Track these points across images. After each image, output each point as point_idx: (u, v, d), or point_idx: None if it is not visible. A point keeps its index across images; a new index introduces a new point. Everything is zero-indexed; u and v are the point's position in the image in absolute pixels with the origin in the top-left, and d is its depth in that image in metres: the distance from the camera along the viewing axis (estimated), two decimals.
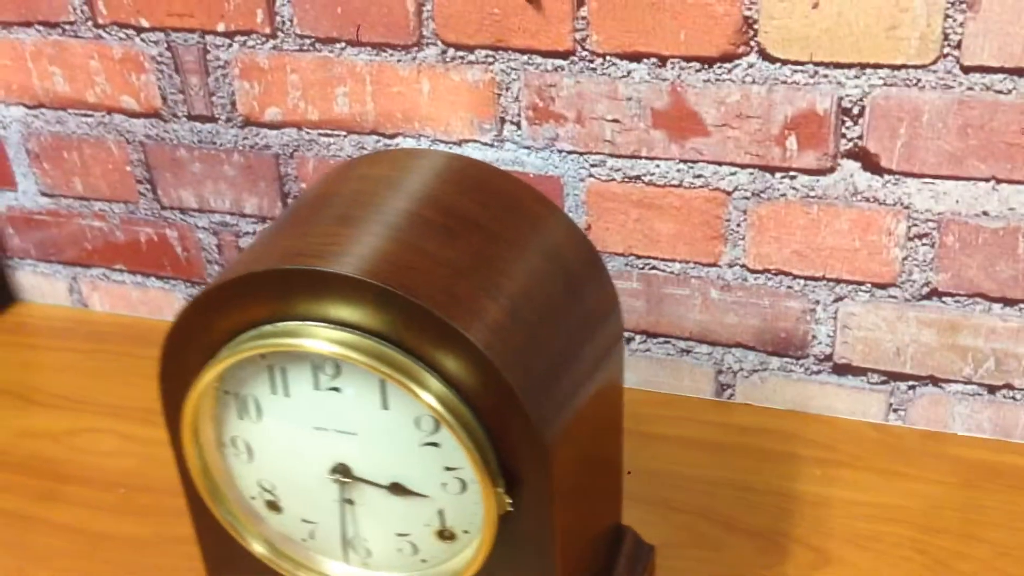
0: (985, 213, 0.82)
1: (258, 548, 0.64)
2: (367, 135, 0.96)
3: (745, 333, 0.94)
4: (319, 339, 0.54)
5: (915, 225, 0.84)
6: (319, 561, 0.65)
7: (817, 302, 0.90)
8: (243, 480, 0.63)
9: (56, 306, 1.20)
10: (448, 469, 0.58)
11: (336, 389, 0.57)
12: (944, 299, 0.87)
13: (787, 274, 0.90)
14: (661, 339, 0.97)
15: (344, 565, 0.64)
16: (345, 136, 0.97)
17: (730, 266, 0.92)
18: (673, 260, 0.93)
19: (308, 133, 0.97)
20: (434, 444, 0.57)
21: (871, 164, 0.83)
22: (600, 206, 0.93)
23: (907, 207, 0.84)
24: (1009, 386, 0.89)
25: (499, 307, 0.56)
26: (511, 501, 0.56)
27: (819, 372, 0.94)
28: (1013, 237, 0.82)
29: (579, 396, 0.61)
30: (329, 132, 0.97)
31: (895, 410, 0.93)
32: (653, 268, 0.94)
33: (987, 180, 0.81)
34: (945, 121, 0.80)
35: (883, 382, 0.92)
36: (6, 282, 1.19)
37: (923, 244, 0.85)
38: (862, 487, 0.87)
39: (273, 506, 0.64)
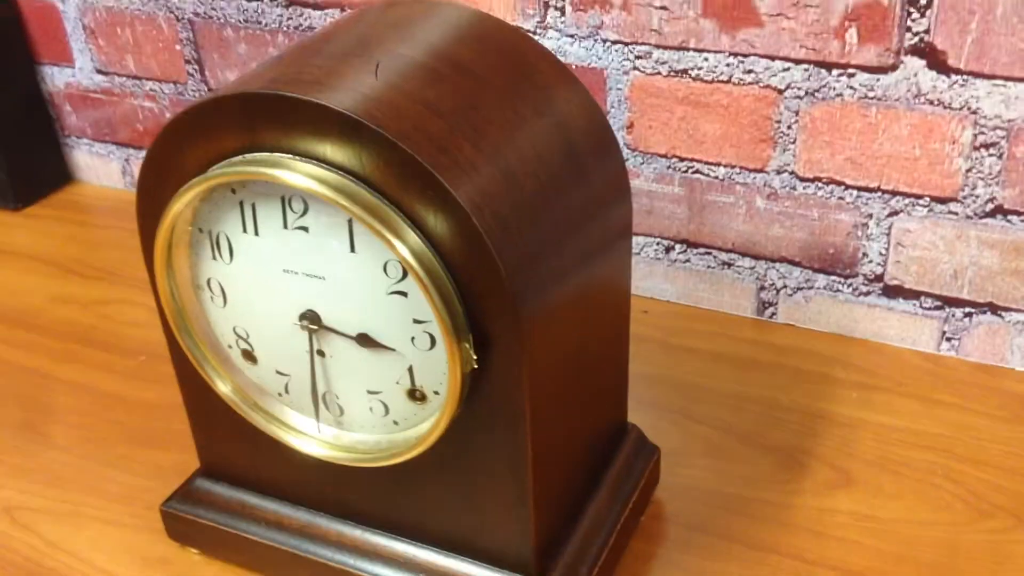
0: None
1: (224, 389, 0.62)
2: None
3: (791, 247, 0.88)
4: (286, 169, 0.52)
5: (982, 133, 0.77)
6: (293, 417, 0.63)
7: (870, 216, 0.84)
8: (219, 327, 0.61)
9: (110, 187, 1.21)
10: (417, 322, 0.55)
11: (304, 228, 0.54)
12: (1009, 217, 0.79)
13: (839, 183, 0.83)
14: (702, 250, 0.92)
15: (317, 423, 0.62)
16: None
17: (778, 172, 0.86)
18: (718, 164, 0.88)
19: None
20: (402, 293, 0.54)
21: (937, 62, 0.76)
22: (644, 102, 0.88)
23: (974, 112, 0.77)
24: None
25: (479, 153, 0.52)
26: (476, 358, 0.53)
27: (868, 294, 0.87)
28: None
29: (569, 279, 0.57)
30: None
31: (948, 339, 0.86)
32: (696, 172, 0.89)
33: None
34: (1021, 15, 0.72)
35: (937, 307, 0.85)
36: (63, 160, 1.21)
37: (989, 155, 0.78)
38: (900, 413, 0.81)
39: (249, 356, 0.62)
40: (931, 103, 0.78)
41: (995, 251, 0.81)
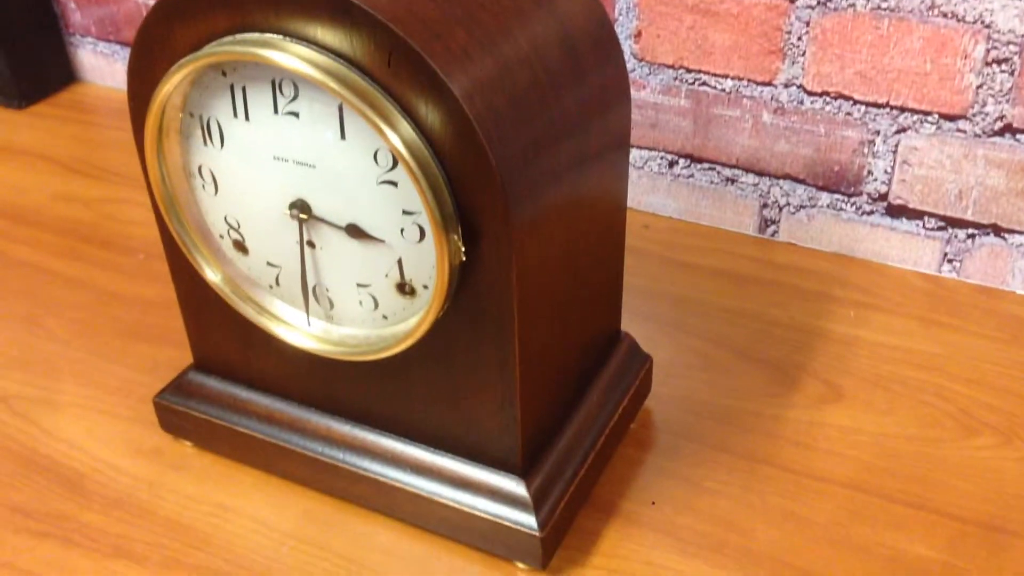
0: None
1: (215, 279, 0.62)
2: None
3: (795, 164, 0.87)
4: (276, 50, 0.51)
5: (995, 48, 0.75)
6: (283, 310, 0.63)
7: (877, 132, 0.83)
8: (211, 216, 0.61)
9: (114, 88, 1.20)
10: (407, 213, 0.54)
11: (295, 114, 0.54)
12: (1018, 136, 0.78)
13: (847, 98, 0.82)
14: (706, 165, 0.91)
15: (307, 316, 0.62)
16: None
17: (786, 86, 0.84)
18: (726, 76, 0.86)
19: None
20: (392, 183, 0.53)
21: None
22: (653, 10, 0.86)
23: (988, 26, 0.75)
24: None
25: (473, 41, 0.51)
26: (465, 251, 0.53)
27: (871, 213, 0.86)
28: None
29: (562, 181, 0.56)
30: None
31: (950, 260, 0.85)
32: (703, 84, 0.87)
33: None
34: None
35: (940, 228, 0.84)
36: (68, 59, 1.20)
37: (1001, 71, 0.76)
38: (897, 332, 0.81)
39: (240, 246, 0.62)
40: (944, 16, 0.76)
41: (1002, 171, 0.80)
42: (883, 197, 0.85)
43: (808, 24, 0.81)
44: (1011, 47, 0.75)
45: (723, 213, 0.93)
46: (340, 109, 0.52)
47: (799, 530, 0.65)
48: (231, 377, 0.69)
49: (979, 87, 0.77)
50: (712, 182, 0.92)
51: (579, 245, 0.61)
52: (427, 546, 0.65)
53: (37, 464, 0.72)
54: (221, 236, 0.62)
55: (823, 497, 0.67)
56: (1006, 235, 0.82)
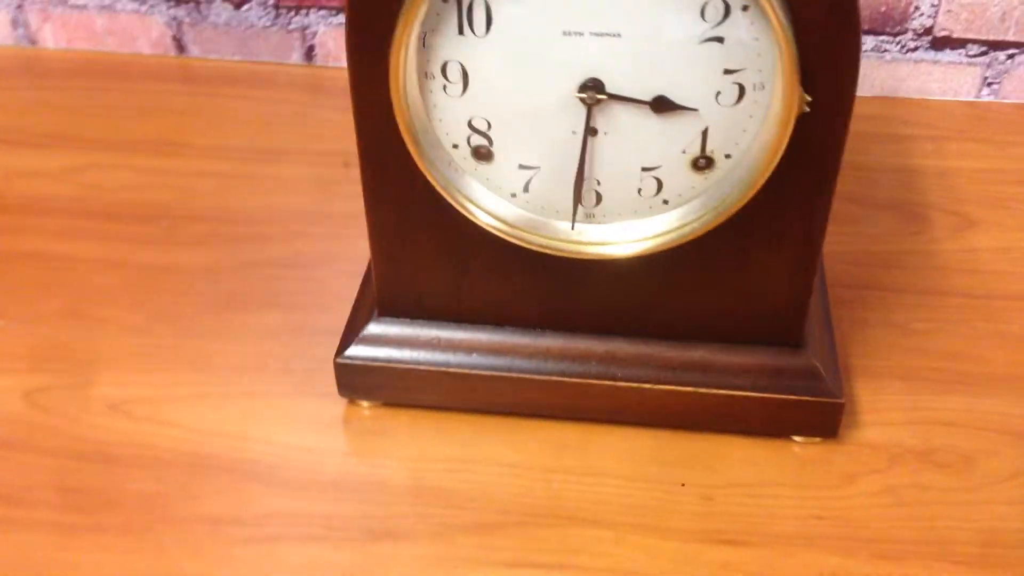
0: None
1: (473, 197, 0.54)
2: None
3: None
4: None
5: None
6: (529, 223, 0.55)
7: None
8: (448, 123, 0.52)
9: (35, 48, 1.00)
10: (728, 72, 0.49)
11: None
12: None
13: None
14: None
15: (572, 220, 0.54)
16: None
17: None
18: None
19: None
20: (718, 39, 0.48)
21: None
22: None
23: None
24: None
25: None
26: (810, 100, 0.48)
27: (915, 49, 0.88)
28: None
29: None
30: None
31: (989, 83, 0.89)
32: None
33: None
34: None
35: (982, 53, 0.88)
36: None
37: None
38: (978, 156, 0.84)
39: (482, 154, 0.53)
40: None
41: None
42: (928, 31, 0.87)
43: None
44: None
45: None
46: None
47: (1020, 346, 0.67)
48: (431, 316, 0.60)
49: None
50: None
51: None
52: (702, 444, 0.61)
53: (210, 466, 0.60)
54: (455, 146, 0.53)
55: (1019, 312, 0.69)
56: None
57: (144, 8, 0.94)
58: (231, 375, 0.66)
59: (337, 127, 0.87)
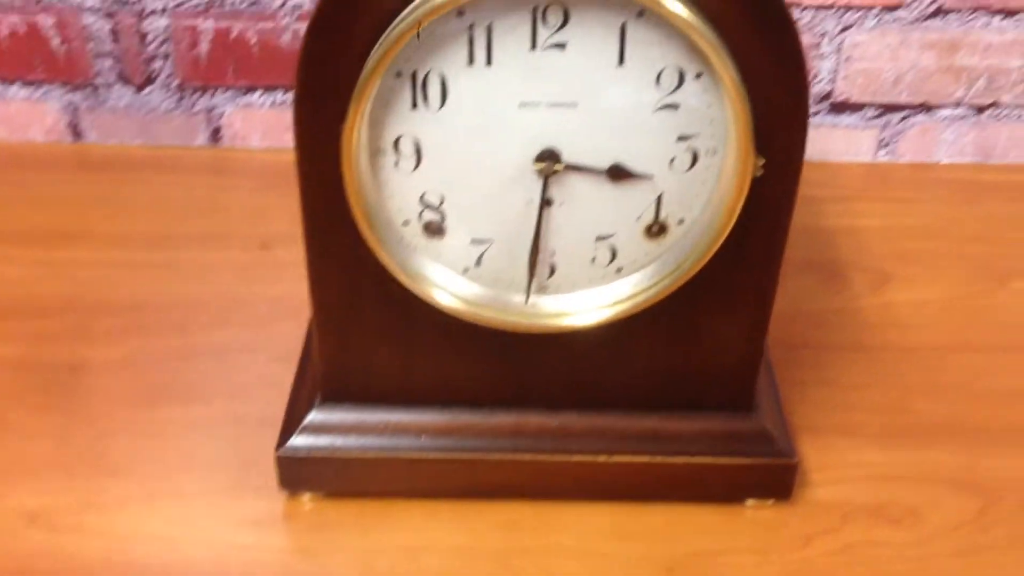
0: None
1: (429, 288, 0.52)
2: None
3: None
4: None
5: None
6: (481, 298, 0.54)
7: (823, 35, 0.87)
8: (398, 199, 0.51)
9: None
10: (682, 139, 0.49)
11: (559, 46, 0.46)
12: (948, 16, 0.86)
13: (797, 4, 0.86)
14: None
15: (526, 293, 0.53)
16: None
17: None
18: None
19: None
20: (672, 107, 0.48)
21: None
22: None
23: None
24: (996, 104, 0.91)
25: None
26: (763, 163, 0.49)
27: (816, 114, 0.91)
28: None
29: None
30: None
31: (885, 145, 0.93)
32: None
33: None
34: None
35: (878, 116, 0.92)
36: None
37: None
38: (884, 214, 0.87)
39: (434, 229, 0.52)
40: None
41: (933, 52, 0.88)
42: (828, 96, 0.91)
43: None
44: None
45: None
46: (623, 28, 0.46)
47: (955, 395, 0.69)
48: (378, 399, 0.58)
49: None
50: None
51: None
52: (659, 515, 0.60)
53: (142, 575, 0.56)
54: (406, 222, 0.51)
55: (946, 363, 0.71)
56: (934, 110, 0.91)
57: (37, 94, 0.90)
58: (158, 475, 0.62)
59: (249, 209, 0.84)
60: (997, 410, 0.68)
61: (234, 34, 0.86)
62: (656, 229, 0.52)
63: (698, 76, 0.47)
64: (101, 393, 0.67)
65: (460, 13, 0.45)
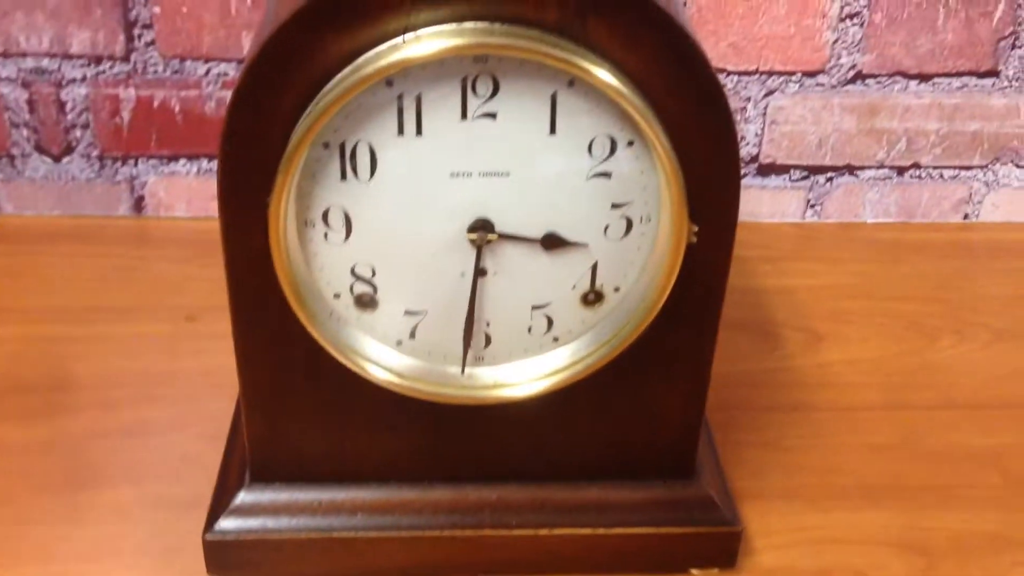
0: None
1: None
2: None
3: None
4: (479, 35, 0.43)
5: (848, 4, 0.85)
6: (416, 371, 0.52)
7: (748, 99, 0.89)
8: (328, 272, 0.49)
9: None
10: (615, 207, 0.48)
11: (490, 115, 0.45)
12: (867, 81, 0.88)
13: (722, 71, 0.87)
14: None
15: (461, 365, 0.52)
16: None
17: None
18: None
19: None
20: (605, 175, 0.48)
21: None
22: None
23: None
24: (916, 165, 0.93)
25: None
26: (697, 230, 0.49)
27: (744, 176, 0.92)
28: (934, 8, 0.85)
29: None
30: None
31: (812, 205, 0.94)
32: None
33: None
34: None
35: (803, 178, 0.93)
36: None
37: (853, 24, 0.86)
38: (813, 274, 0.87)
39: (366, 302, 0.50)
40: None
41: (854, 115, 0.90)
42: (755, 159, 0.92)
43: (685, 4, 0.84)
44: (860, 1, 0.85)
45: None
46: (554, 97, 0.45)
47: (894, 455, 0.69)
48: (311, 478, 0.56)
49: (835, 42, 0.86)
50: None
51: None
52: None
53: None
54: (337, 295, 0.50)
55: (882, 423, 0.71)
56: (858, 172, 0.93)
57: None
58: (80, 563, 0.59)
59: (174, 280, 0.82)
60: (936, 467, 0.68)
61: (157, 102, 0.84)
62: (592, 297, 0.51)
63: (630, 144, 0.47)
64: (18, 477, 0.64)
65: (389, 83, 0.44)
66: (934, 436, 0.71)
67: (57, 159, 0.86)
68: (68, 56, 0.83)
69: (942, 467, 0.68)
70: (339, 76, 0.43)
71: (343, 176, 0.47)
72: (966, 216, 0.96)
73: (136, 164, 0.87)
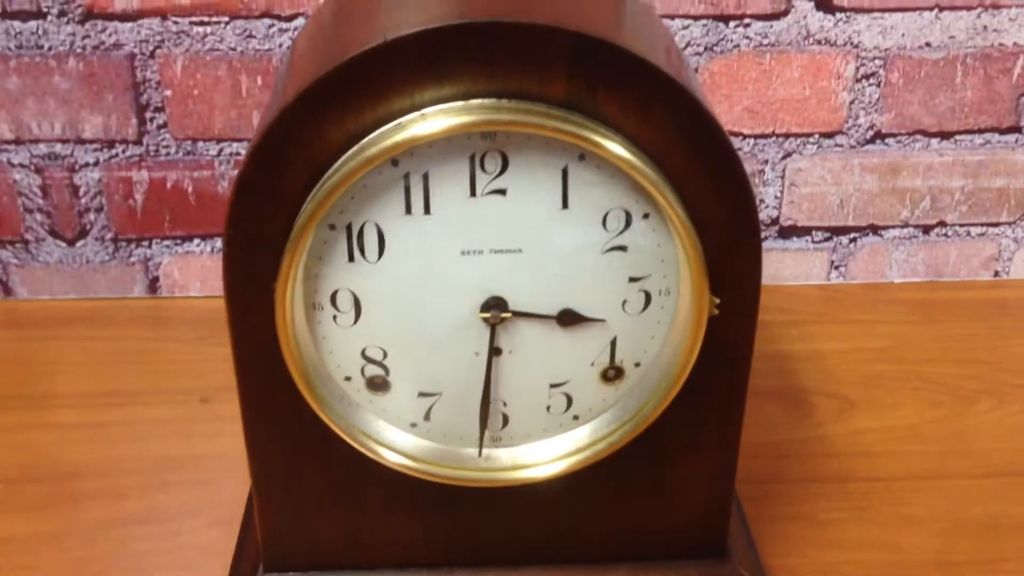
0: (928, 44, 0.83)
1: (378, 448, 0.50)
2: (256, 19, 0.80)
3: None
4: (486, 112, 0.42)
5: (863, 65, 0.84)
6: (432, 453, 0.51)
7: (766, 162, 0.87)
8: (338, 355, 0.48)
9: None
10: (633, 280, 0.47)
11: (500, 192, 0.44)
12: (887, 140, 0.87)
13: (737, 135, 0.86)
14: None
15: (478, 447, 0.50)
16: (227, 23, 0.80)
17: None
18: None
19: (176, 23, 0.80)
20: (621, 248, 0.46)
21: (824, 2, 0.82)
22: None
23: (856, 46, 0.83)
24: (942, 223, 0.91)
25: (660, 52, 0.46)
26: (719, 302, 0.47)
27: (765, 239, 0.91)
28: (952, 67, 0.84)
29: None
30: (205, 19, 0.80)
31: (836, 267, 0.93)
32: None
33: (931, 9, 0.82)
34: None
35: (826, 239, 0.91)
36: None
37: (869, 85, 0.85)
38: (841, 337, 0.85)
39: (378, 385, 0.49)
40: (819, 43, 0.83)
41: (874, 175, 0.88)
42: (775, 221, 0.90)
43: (697, 70, 0.84)
44: (876, 61, 0.84)
45: None
46: (565, 171, 0.44)
47: (931, 527, 0.66)
48: (325, 566, 0.54)
49: (852, 103, 0.85)
50: None
51: None
52: None
53: None
54: (348, 378, 0.49)
55: (921, 493, 0.69)
56: (882, 232, 0.91)
57: None
58: None
59: (189, 361, 0.81)
60: (980, 541, 0.65)
61: (170, 184, 0.84)
62: (612, 374, 0.50)
63: (646, 216, 0.45)
64: (28, 570, 0.62)
65: (395, 163, 0.43)
66: (977, 507, 0.68)
67: (71, 243, 0.86)
68: (81, 141, 0.83)
69: (987, 540, 0.65)
70: (344, 157, 0.42)
71: (351, 257, 0.45)
72: (996, 273, 0.93)
73: (150, 245, 0.87)
